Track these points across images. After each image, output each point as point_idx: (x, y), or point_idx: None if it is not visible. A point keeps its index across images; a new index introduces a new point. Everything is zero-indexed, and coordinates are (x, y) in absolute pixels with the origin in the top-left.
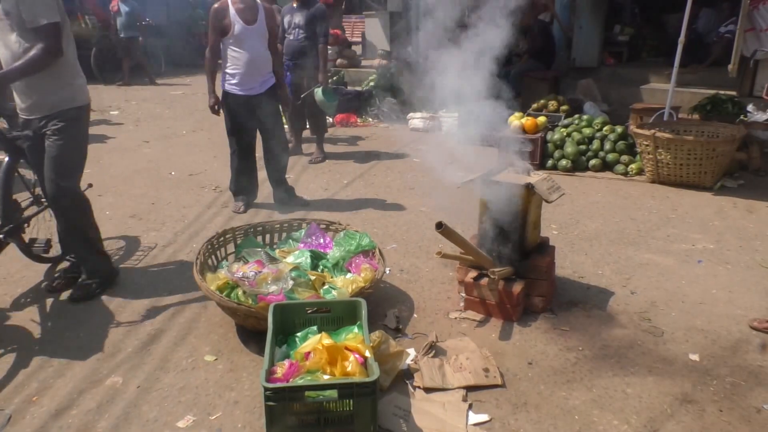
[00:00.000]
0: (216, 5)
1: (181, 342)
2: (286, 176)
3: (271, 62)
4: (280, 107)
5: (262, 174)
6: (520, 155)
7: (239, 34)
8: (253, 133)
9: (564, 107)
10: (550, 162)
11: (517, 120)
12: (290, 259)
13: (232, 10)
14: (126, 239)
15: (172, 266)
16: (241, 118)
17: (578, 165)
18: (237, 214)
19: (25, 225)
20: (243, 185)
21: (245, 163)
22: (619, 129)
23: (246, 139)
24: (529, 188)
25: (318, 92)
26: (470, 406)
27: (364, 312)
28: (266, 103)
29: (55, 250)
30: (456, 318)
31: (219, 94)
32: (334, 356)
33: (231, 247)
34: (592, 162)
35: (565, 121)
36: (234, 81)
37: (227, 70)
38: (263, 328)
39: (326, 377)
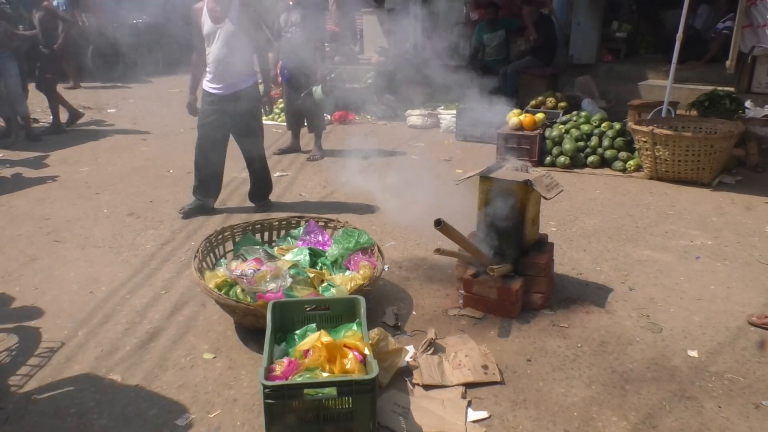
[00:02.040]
0: (195, 5)
1: (180, 340)
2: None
3: (247, 63)
4: (263, 110)
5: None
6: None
7: (207, 33)
8: (220, 133)
9: (562, 104)
10: (548, 159)
11: (515, 117)
12: (289, 256)
13: (205, 10)
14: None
15: (171, 264)
16: (209, 114)
17: (576, 162)
18: (235, 213)
19: None
20: (201, 183)
21: (203, 159)
22: (617, 125)
23: (210, 136)
24: (528, 185)
25: (316, 90)
26: (469, 403)
27: (363, 309)
28: (236, 107)
29: None
30: (455, 315)
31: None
32: (333, 354)
33: (230, 245)
34: (591, 159)
35: (563, 118)
36: (207, 78)
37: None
38: (262, 325)
39: (325, 375)
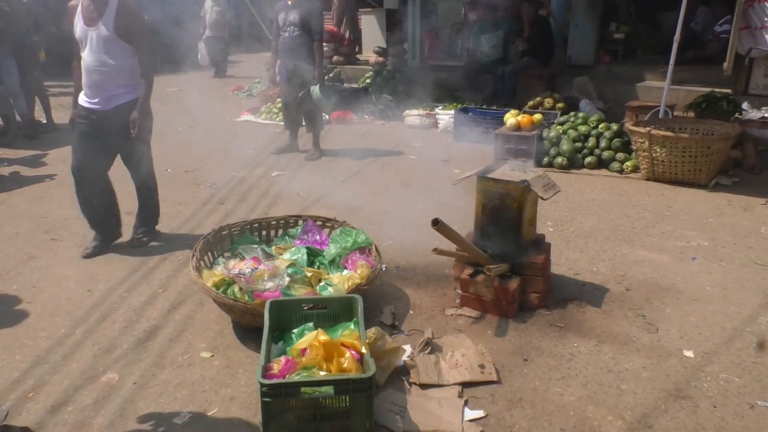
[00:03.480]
0: (70, 3)
1: (177, 338)
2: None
3: (128, 74)
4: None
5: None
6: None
7: (79, 37)
8: (100, 158)
9: (560, 105)
10: (545, 159)
11: (513, 117)
12: (287, 255)
13: (79, 9)
14: None
15: (169, 263)
16: (82, 132)
17: (574, 162)
18: (232, 212)
19: None
20: (92, 219)
21: (83, 190)
22: (614, 126)
23: (83, 159)
24: (525, 185)
25: (314, 89)
26: (466, 402)
27: (360, 308)
28: (113, 125)
29: None
30: (452, 315)
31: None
32: (330, 353)
33: (227, 244)
34: (588, 159)
35: (561, 119)
36: (83, 90)
37: None
38: (259, 324)
39: (322, 373)
